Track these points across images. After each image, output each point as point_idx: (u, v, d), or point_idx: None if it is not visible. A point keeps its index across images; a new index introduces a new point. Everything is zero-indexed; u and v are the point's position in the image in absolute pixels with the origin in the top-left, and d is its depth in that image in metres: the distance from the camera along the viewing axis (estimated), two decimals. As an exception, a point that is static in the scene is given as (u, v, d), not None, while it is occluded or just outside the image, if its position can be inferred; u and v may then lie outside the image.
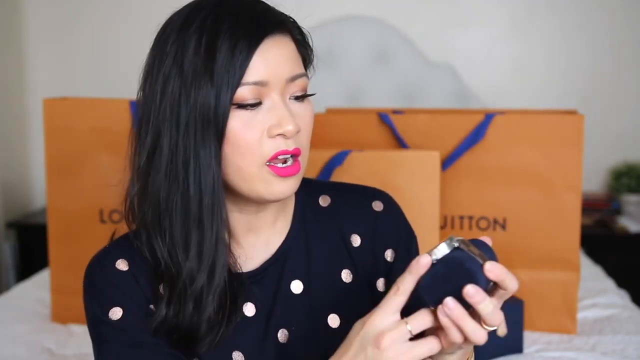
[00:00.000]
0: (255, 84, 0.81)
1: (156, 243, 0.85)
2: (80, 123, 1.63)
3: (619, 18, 2.88)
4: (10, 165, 2.93)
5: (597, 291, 1.87)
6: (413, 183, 1.45)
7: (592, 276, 2.02)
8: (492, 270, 0.69)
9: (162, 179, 0.83)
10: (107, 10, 2.99)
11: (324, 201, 0.98)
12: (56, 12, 3.01)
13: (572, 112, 1.66)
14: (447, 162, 1.57)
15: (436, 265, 0.72)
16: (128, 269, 0.89)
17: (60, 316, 1.69)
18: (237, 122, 0.82)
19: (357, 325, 0.76)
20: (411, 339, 0.73)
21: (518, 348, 1.50)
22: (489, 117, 1.56)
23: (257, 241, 0.93)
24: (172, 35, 0.83)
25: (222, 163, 0.83)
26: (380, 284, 0.96)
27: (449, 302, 0.70)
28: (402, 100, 2.79)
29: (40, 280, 1.98)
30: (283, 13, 0.88)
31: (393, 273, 0.96)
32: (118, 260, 0.89)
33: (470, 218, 1.60)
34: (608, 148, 2.90)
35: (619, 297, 1.85)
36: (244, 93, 0.81)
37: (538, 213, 1.57)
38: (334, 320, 0.92)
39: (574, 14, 2.89)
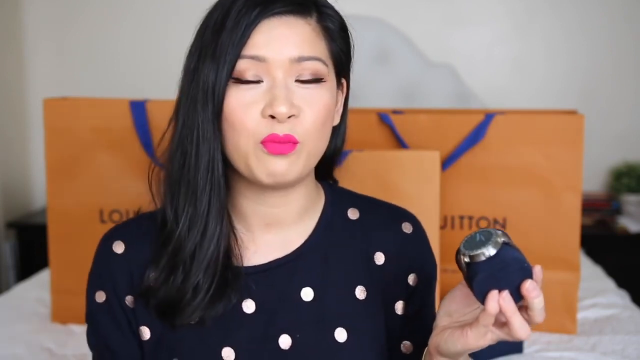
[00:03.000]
0: (252, 57, 0.81)
1: (167, 211, 0.88)
2: (80, 123, 1.63)
3: (619, 18, 2.88)
4: (10, 165, 2.93)
5: (597, 291, 1.87)
6: (413, 183, 1.45)
7: (592, 276, 2.02)
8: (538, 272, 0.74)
9: (174, 150, 0.86)
10: (106, 10, 2.98)
11: (352, 214, 0.95)
12: (55, 12, 3.01)
13: (572, 112, 1.65)
14: (447, 162, 1.57)
15: (491, 262, 0.72)
16: (122, 253, 0.90)
17: (60, 316, 1.69)
18: (234, 100, 0.82)
19: None
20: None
21: (518, 348, 1.50)
22: (489, 117, 1.56)
23: (274, 239, 0.91)
24: (204, 17, 0.86)
25: (222, 139, 0.84)
26: (399, 306, 0.93)
27: (506, 295, 0.71)
28: (402, 100, 2.78)
29: (40, 280, 1.97)
30: (316, 1, 0.86)
31: (412, 298, 0.94)
32: (116, 242, 0.90)
33: (470, 218, 1.59)
34: (608, 148, 2.90)
35: (619, 297, 1.84)
36: (241, 66, 0.81)
37: (538, 213, 1.57)
38: (341, 334, 0.89)
39: (574, 14, 2.89)
